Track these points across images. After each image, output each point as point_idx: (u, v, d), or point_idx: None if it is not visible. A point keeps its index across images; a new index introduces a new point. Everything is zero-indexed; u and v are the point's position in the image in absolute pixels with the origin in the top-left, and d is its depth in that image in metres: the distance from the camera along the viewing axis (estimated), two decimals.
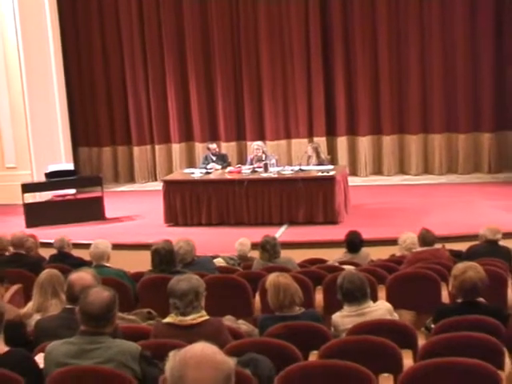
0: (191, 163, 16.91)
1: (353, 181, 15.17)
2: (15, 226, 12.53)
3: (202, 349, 2.70)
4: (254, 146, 14.54)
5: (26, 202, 13.96)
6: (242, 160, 16.04)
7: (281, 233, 12.30)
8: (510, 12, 15.14)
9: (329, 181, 12.99)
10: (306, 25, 16.82)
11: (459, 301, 5.62)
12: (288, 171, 13.53)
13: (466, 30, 16.21)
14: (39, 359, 4.64)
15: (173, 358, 2.70)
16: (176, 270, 7.31)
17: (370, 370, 4.28)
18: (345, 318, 5.68)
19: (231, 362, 2.74)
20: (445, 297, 7.09)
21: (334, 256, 9.57)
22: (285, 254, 8.96)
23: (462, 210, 13.34)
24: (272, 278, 5.86)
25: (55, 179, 14.26)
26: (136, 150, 17.79)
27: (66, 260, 8.88)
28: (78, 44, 17.59)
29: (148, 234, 12.37)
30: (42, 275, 6.20)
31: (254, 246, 9.49)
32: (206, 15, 17.17)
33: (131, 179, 17.90)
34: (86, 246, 8.99)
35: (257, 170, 13.62)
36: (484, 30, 16.13)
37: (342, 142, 17.07)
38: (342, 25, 16.73)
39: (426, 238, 8.60)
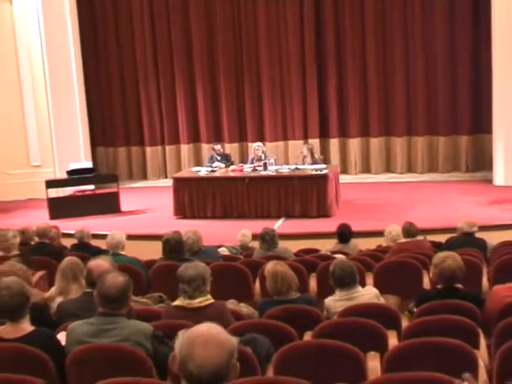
0: (198, 162, 16.89)
1: (343, 178, 15.13)
2: (40, 219, 12.53)
3: (208, 329, 2.71)
4: (255, 147, 14.53)
5: (50, 196, 13.96)
6: (243, 159, 16.02)
7: (278, 225, 12.29)
8: (486, 25, 15.10)
9: (322, 178, 12.99)
10: (301, 41, 16.81)
11: (439, 287, 5.63)
12: (285, 170, 13.52)
13: (445, 43, 16.21)
14: (61, 337, 4.65)
15: (182, 337, 2.71)
16: (184, 258, 7.32)
17: (358, 348, 4.28)
18: (336, 302, 5.69)
19: (234, 340, 2.75)
20: (426, 283, 7.10)
21: (326, 246, 9.58)
22: (282, 244, 8.99)
23: (441, 206, 13.32)
24: (270, 266, 5.87)
25: (76, 176, 14.26)
26: (148, 150, 17.77)
27: (85, 249, 8.89)
28: (97, 54, 17.55)
29: (159, 225, 12.37)
30: (63, 262, 6.21)
31: (255, 236, 9.52)
32: (211, 29, 17.15)
33: (144, 176, 17.88)
34: (104, 236, 9.01)
35: (257, 168, 13.61)
36: (462, 43, 16.14)
37: (333, 143, 17.06)
38: (334, 40, 16.70)
39: (410, 231, 8.61)
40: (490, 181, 15.26)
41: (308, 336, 5.04)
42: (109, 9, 17.42)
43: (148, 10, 17.23)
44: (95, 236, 10.08)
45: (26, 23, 15.79)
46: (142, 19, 17.28)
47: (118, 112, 17.79)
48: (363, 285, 6.36)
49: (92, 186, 14.94)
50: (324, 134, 17.09)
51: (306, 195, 12.94)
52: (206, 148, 17.15)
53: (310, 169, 13.45)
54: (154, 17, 17.27)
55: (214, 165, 14.10)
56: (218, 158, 14.47)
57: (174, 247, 7.58)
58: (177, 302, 5.20)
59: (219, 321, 2.89)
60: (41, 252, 8.44)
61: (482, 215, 11.78)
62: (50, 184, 14.17)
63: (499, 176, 14.95)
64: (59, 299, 5.87)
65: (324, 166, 13.71)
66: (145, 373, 4.07)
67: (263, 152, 14.20)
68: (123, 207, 14.09)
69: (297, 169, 13.50)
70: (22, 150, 16.01)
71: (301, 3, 16.70)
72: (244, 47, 17.15)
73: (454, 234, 8.89)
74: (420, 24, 16.30)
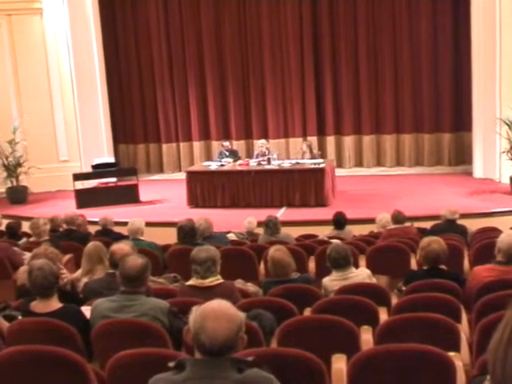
0: (209, 157, 16.86)
1: (339, 172, 15.10)
2: (67, 208, 12.55)
3: (219, 304, 2.71)
4: (259, 144, 14.53)
5: (76, 188, 13.98)
6: (249, 155, 15.98)
7: (281, 213, 12.27)
8: (465, 31, 15.05)
9: (319, 172, 12.97)
10: (300, 50, 16.79)
11: (425, 268, 5.61)
12: (287, 164, 13.51)
13: (428, 52, 16.21)
14: (86, 311, 4.65)
15: (195, 312, 2.71)
16: (197, 243, 7.32)
17: (353, 322, 4.27)
18: (332, 282, 5.67)
19: (242, 315, 2.75)
20: (413, 264, 7.09)
21: (323, 232, 9.57)
22: (284, 230, 8.98)
23: (427, 195, 13.30)
24: (271, 252, 5.82)
25: (99, 170, 14.27)
26: (164, 146, 17.77)
27: (108, 234, 8.90)
28: (118, 61, 17.52)
29: (174, 214, 12.36)
30: (88, 246, 6.22)
31: (259, 223, 9.50)
32: (220, 39, 17.14)
33: (160, 170, 17.87)
34: (124, 223, 9.01)
35: (261, 163, 13.60)
36: (444, 47, 16.13)
37: (330, 140, 17.04)
38: (330, 49, 16.67)
39: (398, 218, 8.60)
40: (470, 173, 15.22)
41: (307, 312, 5.02)
42: (128, 21, 17.40)
43: (163, 21, 17.20)
44: (117, 223, 10.06)
45: (55, 33, 15.79)
46: (158, 28, 17.25)
47: (137, 113, 17.79)
48: (357, 266, 6.36)
49: (114, 179, 14.93)
50: (321, 132, 17.07)
51: (305, 186, 12.92)
52: (215, 145, 17.13)
53: (308, 163, 13.43)
54: (169, 26, 17.25)
55: (223, 160, 14.09)
56: (227, 153, 14.46)
57: (188, 233, 7.58)
58: (190, 282, 5.20)
59: (228, 298, 2.89)
60: (68, 237, 8.45)
61: (462, 204, 11.77)
62: (77, 177, 14.18)
63: (478, 169, 14.92)
64: (85, 279, 5.87)
65: (321, 160, 13.69)
66: (161, 344, 4.07)
67: (267, 148, 14.19)
68: (142, 197, 14.08)
69: (297, 163, 13.48)
70: (52, 147, 16.02)
71: (300, 15, 16.67)
72: (249, 56, 17.14)
73: (438, 221, 8.88)
74: (407, 32, 16.29)
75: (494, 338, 1.77)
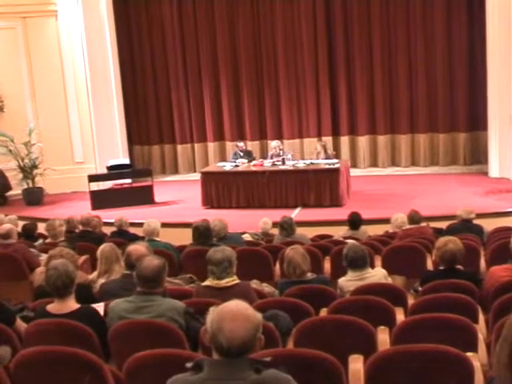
0: (223, 158, 16.86)
1: (353, 172, 15.08)
2: (83, 209, 12.59)
3: (236, 305, 2.71)
4: (274, 144, 14.50)
5: (92, 189, 14.02)
6: (263, 155, 15.96)
7: (295, 214, 12.26)
8: (480, 30, 14.99)
9: (334, 172, 12.94)
10: (315, 50, 16.75)
11: (441, 268, 5.59)
12: (301, 164, 13.48)
13: (443, 50, 16.16)
14: (98, 307, 4.67)
15: (212, 313, 2.71)
16: (212, 243, 7.32)
17: (369, 323, 4.26)
18: (348, 282, 5.65)
19: (259, 315, 2.75)
20: (429, 265, 7.06)
21: (338, 232, 9.55)
22: (299, 230, 8.96)
23: (442, 195, 13.25)
24: (287, 251, 5.83)
25: (114, 171, 14.32)
26: (179, 147, 17.79)
27: (123, 235, 8.92)
28: (133, 62, 17.57)
29: (189, 214, 12.35)
30: (103, 248, 6.20)
31: (275, 224, 9.49)
32: (234, 41, 17.14)
33: (175, 171, 17.89)
34: (140, 224, 9.04)
35: (276, 163, 13.59)
36: (459, 46, 16.09)
37: (344, 140, 17.00)
38: (344, 49, 16.64)
39: (414, 218, 8.57)
40: (485, 173, 15.14)
41: (323, 312, 5.02)
42: (143, 22, 17.44)
43: (178, 22, 17.22)
44: (132, 224, 10.08)
45: (70, 35, 15.85)
46: (172, 29, 17.27)
47: (152, 114, 17.83)
48: (373, 266, 6.33)
49: (129, 180, 15.00)
50: (336, 133, 17.03)
51: (319, 187, 12.90)
52: (230, 145, 17.13)
53: (323, 163, 13.41)
54: (183, 27, 17.26)
55: (237, 160, 14.09)
56: (241, 154, 14.45)
57: (203, 233, 7.58)
58: (206, 283, 5.20)
59: (244, 299, 2.88)
60: (84, 239, 8.49)
61: (478, 204, 11.69)
62: (92, 178, 14.23)
63: (494, 168, 14.84)
64: (101, 280, 5.89)
65: (336, 160, 13.67)
66: (178, 345, 4.07)
67: (281, 149, 14.18)
68: (157, 198, 14.10)
69: (311, 163, 13.46)
70: (67, 149, 16.09)
71: (314, 15, 16.65)
72: (264, 56, 17.13)
73: (454, 221, 8.84)
74: (421, 32, 16.23)
75: (499, 352, 1.78)
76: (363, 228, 9.37)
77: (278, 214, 9.62)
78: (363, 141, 16.87)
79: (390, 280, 5.93)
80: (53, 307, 4.52)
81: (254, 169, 13.62)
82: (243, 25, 17.06)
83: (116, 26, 16.42)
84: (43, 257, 7.17)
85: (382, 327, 4.56)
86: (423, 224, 8.76)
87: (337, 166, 13.10)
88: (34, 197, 15.05)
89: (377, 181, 15.43)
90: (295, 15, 16.81)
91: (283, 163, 13.42)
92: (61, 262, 4.67)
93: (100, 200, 13.75)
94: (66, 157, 15.98)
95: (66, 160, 15.89)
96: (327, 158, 13.85)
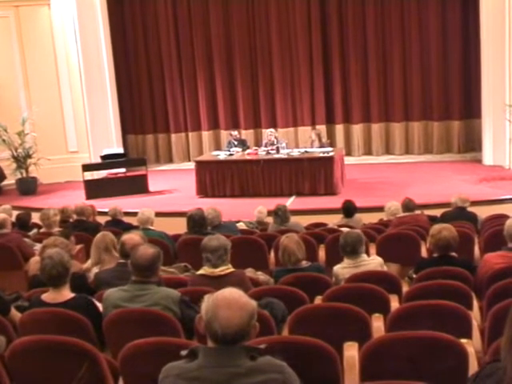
0: (217, 147, 16.84)
1: (348, 160, 15.08)
2: (77, 198, 12.58)
3: (231, 293, 2.71)
4: (268, 133, 14.50)
5: (86, 179, 13.99)
6: (258, 144, 15.95)
7: (290, 202, 12.27)
8: (474, 18, 14.99)
9: (328, 160, 12.95)
10: (309, 38, 16.72)
11: (435, 255, 5.60)
12: (295, 153, 13.48)
13: (437, 38, 16.16)
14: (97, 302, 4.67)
15: (207, 301, 2.71)
16: (207, 232, 7.33)
17: (364, 310, 4.27)
18: (344, 269, 5.65)
19: (254, 303, 2.75)
20: (423, 252, 7.08)
21: (333, 220, 9.56)
22: (294, 219, 8.98)
23: (436, 183, 13.28)
24: (281, 239, 5.84)
25: (108, 161, 14.30)
26: (173, 136, 17.76)
27: (118, 225, 8.90)
28: (127, 51, 17.50)
29: (183, 203, 12.34)
30: (97, 237, 6.20)
31: (269, 212, 9.50)
32: (228, 28, 17.11)
33: (170, 160, 17.87)
34: (134, 213, 9.03)
35: (270, 152, 13.58)
36: (453, 35, 16.09)
37: (339, 128, 17.00)
38: (339, 36, 16.64)
39: (408, 206, 8.58)
40: (479, 161, 15.18)
41: (318, 300, 5.03)
42: (137, 10, 17.37)
43: (172, 10, 17.18)
44: (126, 213, 10.07)
45: (63, 24, 15.78)
46: (166, 17, 17.22)
47: (146, 103, 17.79)
48: (368, 254, 6.33)
49: (123, 169, 14.97)
50: (330, 121, 17.03)
51: (314, 175, 12.91)
52: (224, 134, 17.12)
53: (317, 152, 13.42)
54: (178, 16, 17.21)
55: (232, 149, 14.07)
56: (235, 142, 14.45)
57: (197, 222, 7.58)
58: (201, 271, 5.20)
59: (239, 287, 2.88)
60: (79, 228, 8.48)
61: (472, 191, 11.71)
62: (86, 168, 14.19)
63: (488, 156, 14.87)
64: (95, 269, 5.88)
65: (330, 149, 13.68)
66: (174, 333, 4.08)
67: (276, 137, 14.17)
68: (151, 188, 14.10)
69: (306, 152, 13.46)
70: (61, 138, 16.05)
71: (308, 4, 16.62)
72: (258, 44, 17.10)
73: (448, 209, 8.86)
74: (416, 21, 16.24)
75: (504, 336, 1.77)
76: (357, 216, 9.38)
77: (272, 203, 9.61)
78: (357, 129, 16.87)
79: (385, 268, 5.93)
80: (48, 296, 4.52)
81: (248, 157, 13.61)
82: (237, 14, 17.01)
83: (109, 14, 16.35)
84: (37, 246, 7.17)
85: (377, 314, 4.56)
86: (418, 212, 8.78)
87: (331, 154, 13.10)
88: (28, 186, 15.02)
89: (371, 169, 15.44)
90: (289, 4, 16.76)
91: (277, 152, 13.41)
92: (56, 251, 4.66)
93: (94, 189, 13.74)
94: (60, 146, 15.94)
95: (59, 149, 15.85)
96: (321, 146, 13.86)
